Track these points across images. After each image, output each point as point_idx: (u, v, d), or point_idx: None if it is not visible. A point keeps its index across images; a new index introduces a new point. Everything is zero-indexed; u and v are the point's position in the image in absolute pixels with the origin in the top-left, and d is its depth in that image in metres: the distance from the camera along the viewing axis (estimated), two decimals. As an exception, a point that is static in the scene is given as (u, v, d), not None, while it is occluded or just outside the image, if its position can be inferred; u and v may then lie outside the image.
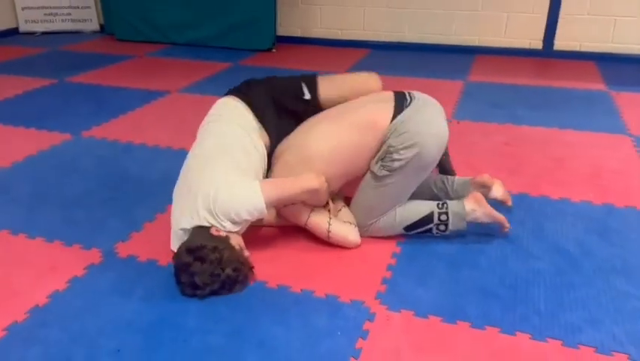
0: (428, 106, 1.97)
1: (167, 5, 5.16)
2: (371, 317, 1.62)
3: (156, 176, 2.54)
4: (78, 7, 5.81)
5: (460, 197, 2.07)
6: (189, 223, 1.74)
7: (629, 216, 2.17)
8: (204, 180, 1.78)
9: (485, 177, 2.14)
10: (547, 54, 4.71)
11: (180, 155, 2.70)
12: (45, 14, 5.75)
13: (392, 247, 1.97)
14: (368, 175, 1.93)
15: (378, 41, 5.09)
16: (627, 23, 4.45)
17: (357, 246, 1.95)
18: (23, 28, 5.73)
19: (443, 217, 1.94)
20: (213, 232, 1.71)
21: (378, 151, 1.89)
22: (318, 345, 1.52)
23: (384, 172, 1.87)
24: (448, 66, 4.48)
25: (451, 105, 3.51)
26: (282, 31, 5.19)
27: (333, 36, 5.21)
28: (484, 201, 1.99)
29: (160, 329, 1.58)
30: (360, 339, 1.54)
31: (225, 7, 4.99)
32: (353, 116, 1.95)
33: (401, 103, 1.92)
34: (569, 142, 2.91)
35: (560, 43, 4.67)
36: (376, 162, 1.89)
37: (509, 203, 2.16)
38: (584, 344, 1.51)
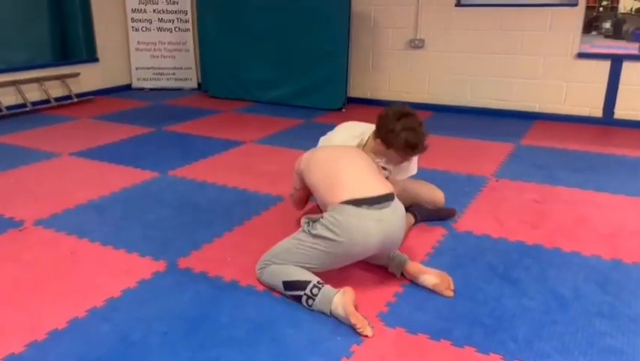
0: (377, 223, 2.07)
1: (255, 66, 5.89)
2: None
3: (220, 209, 3.03)
4: (181, 68, 6.72)
5: (393, 272, 2.26)
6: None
7: (633, 271, 2.33)
8: None
9: (412, 267, 2.22)
10: (607, 122, 4.84)
11: (243, 193, 3.24)
12: (154, 73, 6.71)
13: (403, 280, 2.27)
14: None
15: (440, 104, 5.46)
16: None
17: None
18: (135, 84, 6.71)
19: (315, 291, 2.03)
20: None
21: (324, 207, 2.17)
22: (320, 345, 1.86)
23: (305, 228, 2.12)
24: (505, 129, 4.74)
25: (495, 165, 3.78)
26: (352, 93, 5.72)
27: (400, 98, 5.65)
28: (352, 298, 1.99)
29: (200, 322, 2.00)
30: (355, 345, 1.86)
31: (304, 69, 5.63)
32: (339, 170, 2.29)
33: (366, 202, 2.09)
34: (598, 203, 3.08)
35: (620, 112, 4.79)
36: (306, 217, 2.16)
37: (445, 294, 2.15)
38: (548, 368, 1.74)
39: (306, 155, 2.51)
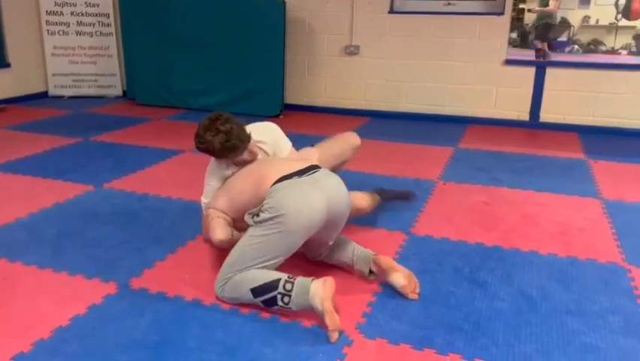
0: (312, 184, 2.07)
1: (186, 72, 5.65)
2: (350, 343, 1.86)
3: (167, 223, 2.83)
4: (104, 75, 6.34)
5: (361, 271, 2.21)
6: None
7: (589, 268, 2.42)
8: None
9: (384, 260, 2.15)
10: (533, 125, 5.07)
11: (190, 206, 3.05)
12: (73, 80, 6.27)
13: (375, 287, 2.21)
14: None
15: (377, 110, 5.51)
16: (606, 99, 4.83)
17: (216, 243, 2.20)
18: (52, 92, 6.24)
19: (288, 287, 1.92)
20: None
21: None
22: (301, 364, 1.75)
23: (251, 222, 2.04)
24: (441, 134, 4.84)
25: (439, 168, 3.83)
26: (289, 99, 5.63)
27: (336, 105, 5.64)
28: (332, 288, 1.90)
29: (164, 348, 1.82)
30: (338, 360, 1.77)
31: (239, 76, 5.47)
32: (259, 170, 2.24)
33: (294, 174, 2.10)
34: (542, 203, 3.19)
35: (546, 115, 5.05)
36: (249, 213, 2.08)
37: (411, 297, 2.11)
38: (533, 370, 1.74)
39: (213, 195, 2.42)
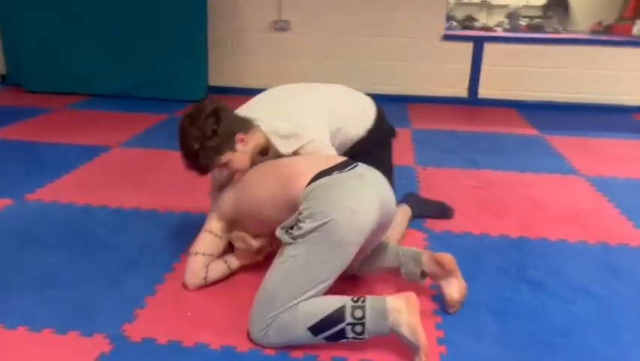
0: (359, 179, 1.68)
1: (88, 53, 4.78)
2: (444, 383, 1.51)
3: (135, 242, 2.24)
4: (-26, 56, 5.21)
5: (411, 275, 1.83)
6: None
7: (627, 253, 2.28)
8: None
9: (448, 259, 1.78)
10: (472, 102, 5.01)
11: (153, 215, 2.47)
12: None
13: (425, 299, 1.87)
14: (279, 250, 1.65)
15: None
16: (541, 73, 4.89)
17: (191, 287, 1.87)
18: None
19: (358, 314, 1.52)
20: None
21: (290, 213, 1.64)
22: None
23: (288, 239, 1.58)
24: (388, 114, 4.57)
25: (409, 152, 3.57)
26: (213, 81, 5.02)
27: (267, 85, 5.08)
28: (416, 307, 1.55)
29: None
30: (446, 409, 1.41)
31: (154, 57, 4.74)
32: (285, 165, 1.81)
33: (333, 169, 1.68)
34: (532, 184, 3.05)
35: (484, 91, 5.00)
36: (282, 228, 1.62)
37: (450, 311, 1.79)
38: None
39: (227, 196, 1.89)
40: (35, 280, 1.94)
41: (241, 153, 1.84)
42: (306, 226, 1.55)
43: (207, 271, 1.88)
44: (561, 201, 2.81)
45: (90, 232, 2.32)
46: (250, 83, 5.15)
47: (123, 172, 3.07)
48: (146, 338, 1.64)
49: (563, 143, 3.86)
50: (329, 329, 1.54)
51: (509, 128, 4.28)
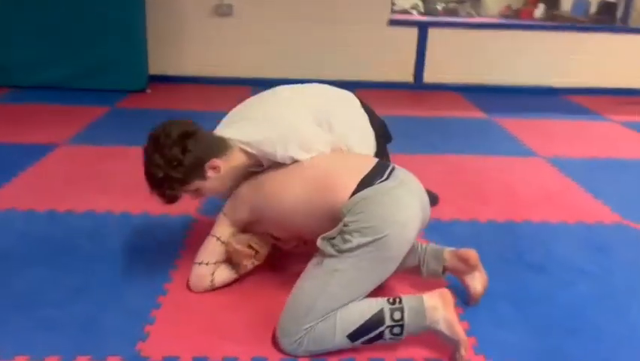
0: (403, 187, 1.62)
1: (9, 40, 4.34)
2: (485, 375, 1.51)
3: (120, 249, 2.07)
4: None
5: (432, 272, 1.81)
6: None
7: (604, 231, 2.40)
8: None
9: (473, 255, 1.77)
10: (418, 87, 5.09)
11: (127, 220, 2.29)
12: None
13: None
14: (314, 259, 1.59)
15: (258, 78, 4.95)
16: (483, 58, 5.05)
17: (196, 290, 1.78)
18: None
19: (397, 316, 1.50)
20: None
21: (330, 222, 1.56)
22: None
23: (332, 251, 1.51)
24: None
25: (374, 140, 3.56)
26: (153, 70, 4.73)
27: (211, 74, 4.94)
28: (452, 303, 1.55)
29: None
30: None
31: (88, 44, 4.38)
32: (319, 169, 1.69)
33: (374, 176, 1.61)
34: (500, 168, 3.14)
35: (429, 76, 5.09)
36: (324, 238, 1.55)
37: (472, 303, 1.79)
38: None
39: (246, 193, 1.75)
40: (20, 301, 1.73)
41: (213, 179, 1.69)
42: (356, 240, 1.49)
43: (214, 277, 1.77)
44: (531, 184, 2.91)
45: (66, 242, 2.10)
46: (192, 70, 4.96)
47: (80, 172, 2.82)
48: (169, 357, 1.51)
49: (512, 125, 4.02)
50: (368, 333, 1.49)
51: (459, 112, 4.39)
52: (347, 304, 1.50)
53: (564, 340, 1.67)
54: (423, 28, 4.95)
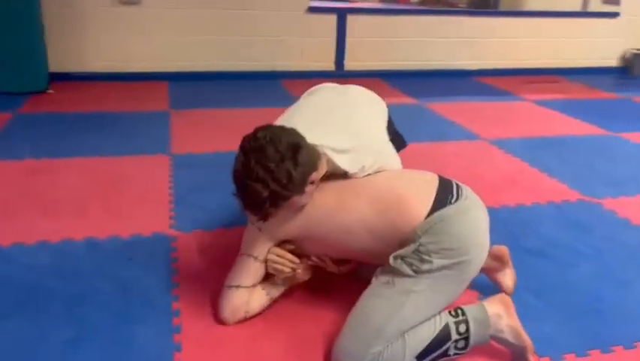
0: (476, 205, 1.57)
1: None
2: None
3: (102, 284, 1.76)
4: None
5: None
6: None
7: (574, 209, 2.52)
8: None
9: (505, 251, 1.77)
10: (340, 75, 5.03)
11: (94, 246, 1.97)
12: None
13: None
14: (381, 277, 1.48)
15: (173, 72, 4.60)
16: (402, 43, 5.11)
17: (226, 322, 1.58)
18: None
19: (462, 329, 1.44)
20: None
21: (397, 243, 1.47)
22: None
23: (409, 271, 1.42)
24: (265, 93, 4.37)
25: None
26: (52, 67, 4.17)
27: (119, 69, 4.48)
28: (513, 308, 1.51)
29: None
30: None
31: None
32: (379, 192, 1.55)
33: (445, 194, 1.51)
34: (457, 153, 3.18)
35: (350, 64, 5.06)
36: (397, 258, 1.45)
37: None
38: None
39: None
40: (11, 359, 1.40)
41: (307, 194, 1.48)
42: (438, 262, 1.41)
43: (249, 303, 1.57)
44: (489, 167, 2.99)
45: (31, 284, 1.75)
46: (96, 66, 4.48)
47: (7, 194, 2.39)
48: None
49: (444, 109, 4.11)
50: (435, 350, 1.42)
51: (390, 99, 4.36)
52: (418, 323, 1.41)
53: (594, 324, 1.70)
54: (341, 14, 4.89)
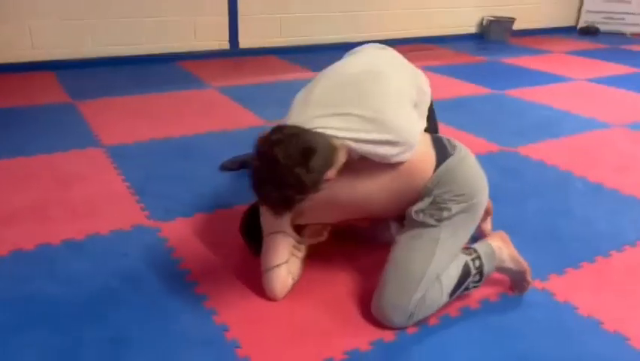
0: (469, 155, 1.72)
1: None
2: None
3: (100, 290, 1.68)
4: None
5: None
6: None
7: (505, 157, 2.87)
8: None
9: (489, 202, 1.94)
10: (235, 53, 4.99)
11: (80, 248, 1.85)
12: None
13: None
14: (408, 232, 1.61)
15: (55, 61, 4.20)
16: (295, 19, 5.18)
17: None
18: None
19: (477, 263, 1.63)
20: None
21: (411, 199, 1.62)
22: None
23: (432, 221, 1.57)
24: (166, 76, 4.22)
25: (245, 115, 3.44)
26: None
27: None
28: (509, 240, 1.75)
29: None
30: None
31: None
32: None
33: (442, 148, 1.65)
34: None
35: (244, 41, 5.02)
36: (419, 212, 1.59)
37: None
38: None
39: None
40: None
41: (322, 191, 1.51)
42: (455, 208, 1.58)
43: (292, 273, 1.66)
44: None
45: (35, 294, 1.60)
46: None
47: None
48: (299, 374, 1.36)
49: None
50: (460, 286, 1.61)
51: (291, 74, 4.46)
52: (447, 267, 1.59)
53: (558, 246, 2.02)
54: (231, -9, 4.82)
